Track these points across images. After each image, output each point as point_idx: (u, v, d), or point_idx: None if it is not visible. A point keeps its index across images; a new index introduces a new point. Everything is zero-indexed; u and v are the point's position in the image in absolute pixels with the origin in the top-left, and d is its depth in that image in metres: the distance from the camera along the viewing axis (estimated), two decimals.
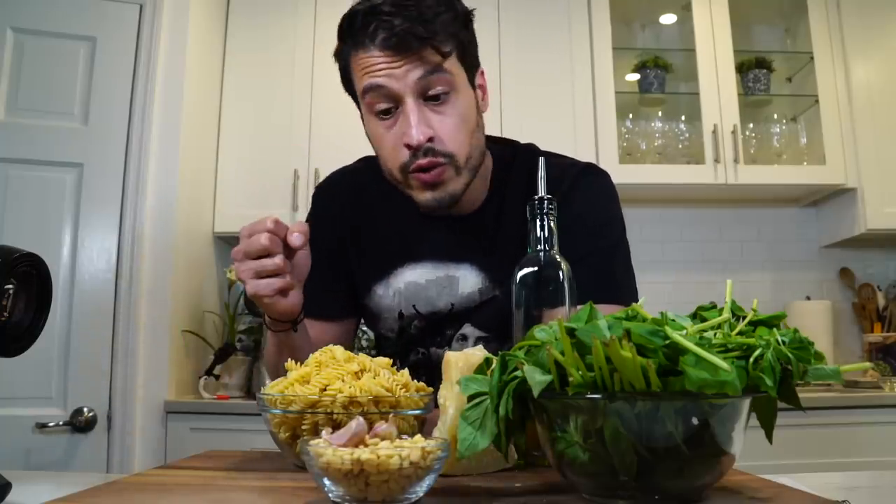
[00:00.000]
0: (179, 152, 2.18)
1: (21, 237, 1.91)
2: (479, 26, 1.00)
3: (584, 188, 1.02)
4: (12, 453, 1.86)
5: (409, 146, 0.91)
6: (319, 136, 2.46)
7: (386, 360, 0.75)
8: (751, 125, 2.66)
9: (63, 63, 2.09)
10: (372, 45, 0.90)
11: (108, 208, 2.07)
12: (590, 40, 2.58)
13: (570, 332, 0.53)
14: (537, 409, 0.56)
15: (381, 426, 0.57)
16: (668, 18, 2.85)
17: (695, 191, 2.62)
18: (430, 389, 0.74)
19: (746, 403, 0.54)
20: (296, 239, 0.85)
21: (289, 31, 2.55)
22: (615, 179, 1.08)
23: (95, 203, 2.06)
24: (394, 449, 0.52)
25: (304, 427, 0.68)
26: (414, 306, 1.06)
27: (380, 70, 0.90)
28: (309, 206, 1.18)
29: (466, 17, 0.96)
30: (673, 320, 0.56)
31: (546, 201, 0.76)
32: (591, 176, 1.05)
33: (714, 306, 0.61)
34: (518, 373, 0.55)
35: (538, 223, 0.76)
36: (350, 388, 0.68)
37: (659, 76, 2.70)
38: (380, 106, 0.92)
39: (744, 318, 0.58)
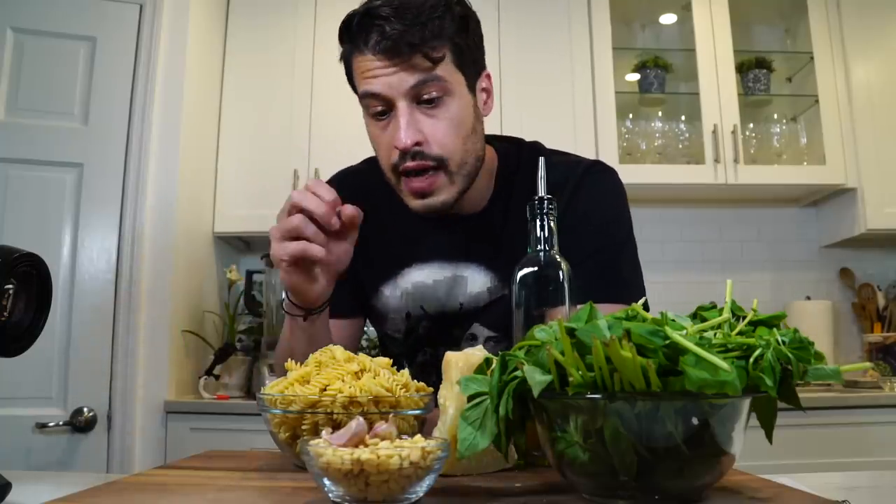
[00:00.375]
0: (179, 152, 2.18)
1: (21, 237, 1.91)
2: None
3: (590, 186, 1.02)
4: (12, 453, 1.86)
5: (396, 148, 0.91)
6: (319, 136, 2.46)
7: (386, 360, 0.75)
8: (751, 125, 2.66)
9: (63, 63, 2.09)
10: (366, 48, 0.90)
11: (108, 208, 2.07)
12: (590, 40, 2.58)
13: (570, 332, 0.53)
14: (537, 409, 0.56)
15: (381, 426, 0.57)
16: (668, 18, 2.85)
17: (695, 191, 2.62)
18: (430, 389, 0.74)
19: (746, 403, 0.54)
20: (348, 210, 0.88)
21: (289, 31, 2.55)
22: None
23: (95, 203, 2.06)
24: (394, 449, 0.52)
25: (304, 427, 0.68)
26: (422, 307, 1.06)
27: (374, 75, 0.91)
28: None
29: (464, 20, 0.94)
30: (673, 320, 0.56)
31: (546, 201, 0.76)
32: (598, 174, 1.05)
33: (714, 306, 0.61)
34: (518, 373, 0.55)
35: (538, 223, 0.76)
36: (350, 388, 0.68)
37: (659, 76, 2.70)
38: (375, 108, 0.93)
39: (744, 318, 0.58)
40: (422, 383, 0.75)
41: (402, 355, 1.11)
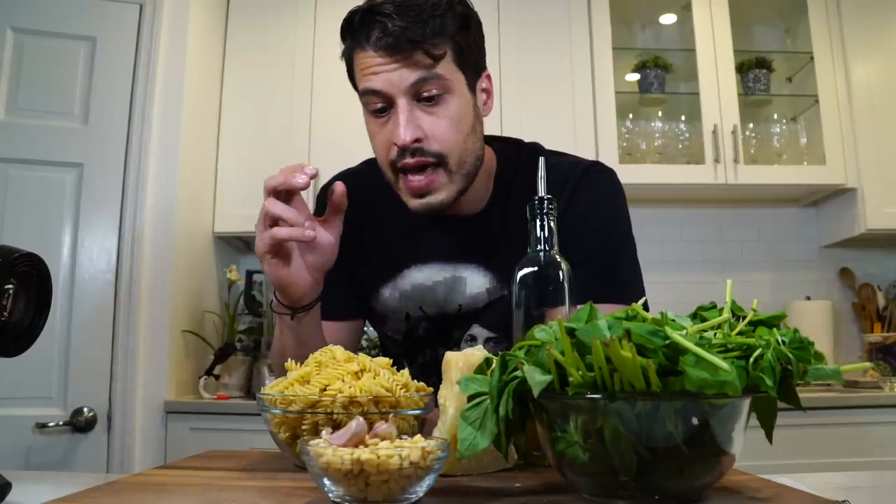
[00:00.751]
0: (179, 152, 2.18)
1: (21, 237, 1.91)
2: None
3: (588, 186, 1.02)
4: (12, 453, 1.86)
5: (396, 145, 0.91)
6: (319, 136, 2.46)
7: (386, 361, 0.75)
8: (751, 125, 2.66)
9: (63, 63, 2.09)
10: (367, 44, 0.91)
11: (108, 208, 2.07)
12: (590, 40, 2.58)
13: (570, 332, 0.53)
14: (537, 409, 0.56)
15: (381, 426, 0.57)
16: (668, 18, 2.85)
17: (695, 191, 2.62)
18: (430, 389, 0.74)
19: (746, 403, 0.54)
20: (339, 187, 0.90)
21: (289, 31, 2.55)
22: None
23: (95, 203, 2.06)
24: (394, 449, 0.52)
25: (304, 427, 0.68)
26: (421, 308, 1.06)
27: (375, 72, 0.91)
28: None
29: (466, 19, 0.95)
30: (673, 320, 0.56)
31: (546, 201, 0.76)
32: (596, 174, 1.05)
33: (714, 306, 0.61)
34: (518, 373, 0.55)
35: (538, 223, 0.76)
36: (350, 388, 0.68)
37: (659, 76, 2.70)
38: (375, 105, 0.93)
39: (744, 318, 0.58)
40: (422, 383, 0.75)
41: (401, 356, 1.11)
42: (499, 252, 1.02)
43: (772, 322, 0.58)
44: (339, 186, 0.90)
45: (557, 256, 0.75)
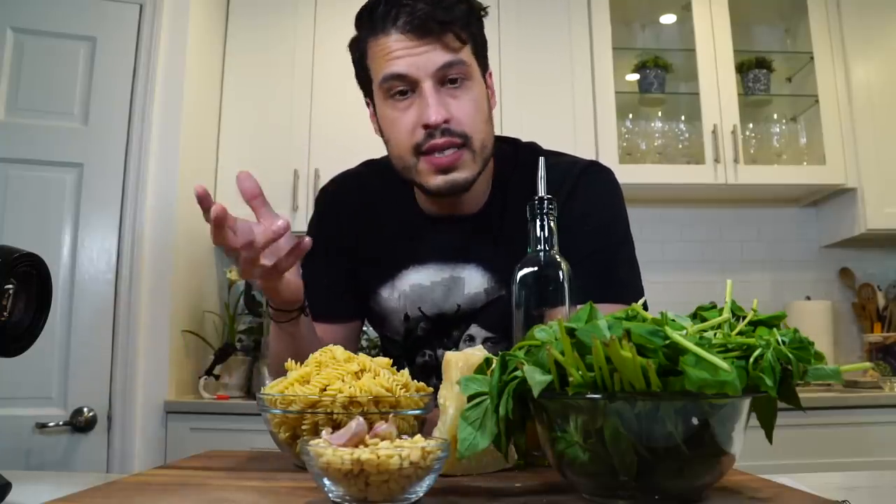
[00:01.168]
0: (179, 152, 2.18)
1: (21, 237, 1.91)
2: None
3: (586, 186, 1.02)
4: (12, 453, 1.86)
5: (426, 126, 0.92)
6: (319, 136, 2.46)
7: (386, 361, 0.75)
8: (751, 125, 2.66)
9: (63, 63, 2.09)
10: (393, 28, 0.91)
11: (108, 208, 2.07)
12: (590, 40, 2.58)
13: (570, 332, 0.53)
14: (537, 409, 0.56)
15: (381, 426, 0.57)
16: (668, 18, 2.85)
17: (695, 191, 2.62)
18: (430, 389, 0.74)
19: (746, 403, 0.54)
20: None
21: (289, 31, 2.55)
22: None
23: (95, 203, 2.06)
24: (394, 449, 0.52)
25: (304, 427, 0.68)
26: (419, 308, 1.06)
27: (399, 55, 0.91)
28: (309, 206, 1.19)
29: (479, 13, 0.98)
30: (673, 320, 0.56)
31: (546, 201, 0.76)
32: (594, 174, 1.05)
33: (714, 306, 0.61)
34: (518, 373, 0.55)
35: (538, 223, 0.76)
36: (350, 388, 0.68)
37: (659, 76, 2.70)
38: (397, 89, 0.94)
39: (744, 318, 0.58)
40: (421, 383, 0.75)
41: (401, 357, 1.11)
42: (497, 252, 1.02)
43: (772, 322, 0.58)
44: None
45: (557, 256, 0.75)
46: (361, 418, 0.57)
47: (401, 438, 0.57)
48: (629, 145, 2.64)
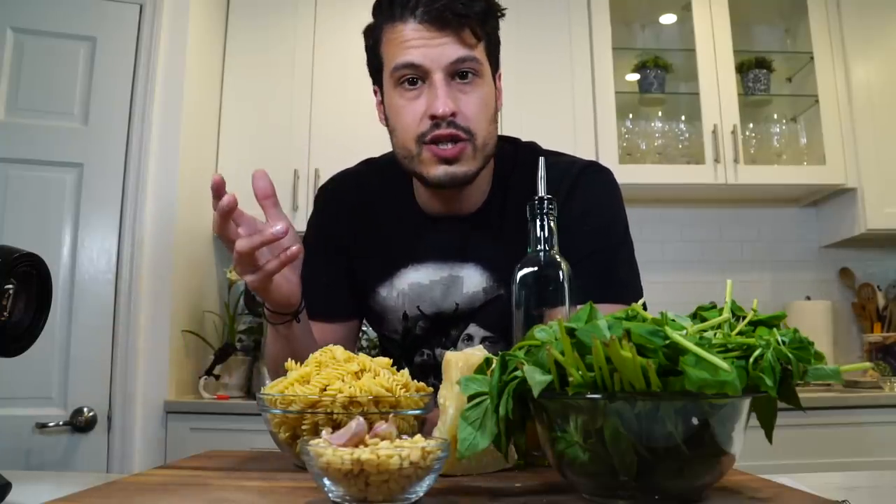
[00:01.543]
0: (179, 152, 2.18)
1: (21, 237, 1.91)
2: None
3: (585, 186, 1.02)
4: (12, 453, 1.86)
5: (433, 116, 0.92)
6: (319, 136, 2.46)
7: (386, 360, 0.75)
8: (751, 125, 2.66)
9: (63, 63, 2.09)
10: (411, 17, 0.92)
11: (108, 208, 2.07)
12: (590, 40, 2.58)
13: (570, 332, 0.53)
14: (537, 409, 0.56)
15: (381, 426, 0.57)
16: (668, 18, 2.85)
17: (695, 191, 2.62)
18: (430, 389, 0.74)
19: (746, 403, 0.54)
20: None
21: (289, 31, 2.54)
22: None
23: (95, 203, 2.06)
24: (394, 449, 0.52)
25: (304, 427, 0.68)
26: (418, 307, 1.06)
27: (416, 45, 0.92)
28: (309, 206, 1.19)
29: (497, 13, 0.98)
30: (673, 320, 0.56)
31: (546, 201, 0.76)
32: (594, 174, 1.05)
33: (714, 306, 0.61)
34: (518, 373, 0.55)
35: (538, 223, 0.76)
36: (350, 388, 0.68)
37: (659, 76, 2.70)
38: (406, 77, 0.94)
39: (744, 318, 0.58)
40: (422, 383, 0.75)
41: (401, 357, 1.11)
42: (496, 251, 1.02)
43: (772, 322, 0.58)
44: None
45: (557, 256, 0.75)
46: (361, 418, 0.57)
47: (401, 438, 0.57)
48: (629, 145, 2.64)
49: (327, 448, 0.53)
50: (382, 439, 0.56)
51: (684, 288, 2.66)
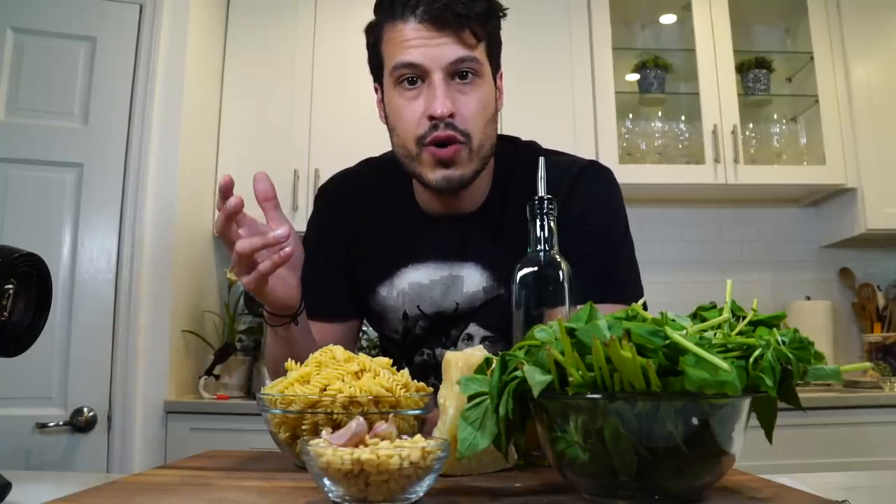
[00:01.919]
0: (179, 152, 2.18)
1: (21, 237, 1.91)
2: None
3: (585, 186, 1.02)
4: (12, 453, 1.86)
5: (432, 117, 0.92)
6: (319, 136, 2.46)
7: (386, 360, 0.75)
8: (751, 125, 2.66)
9: (63, 63, 2.09)
10: (412, 16, 0.92)
11: (108, 208, 2.07)
12: (590, 40, 2.58)
13: (570, 332, 0.53)
14: (537, 409, 0.56)
15: (381, 426, 0.57)
16: (668, 18, 2.85)
17: (695, 191, 2.62)
18: (430, 389, 0.74)
19: (746, 403, 0.54)
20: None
21: (289, 31, 2.54)
22: None
23: (95, 203, 2.06)
24: (394, 449, 0.52)
25: (304, 427, 0.68)
26: (418, 307, 1.06)
27: (415, 45, 0.92)
28: (309, 206, 1.19)
29: (498, 13, 0.98)
30: (673, 320, 0.56)
31: (546, 201, 0.76)
32: (594, 173, 1.05)
33: (714, 306, 0.61)
34: (518, 373, 0.55)
35: (538, 223, 0.76)
36: (350, 388, 0.68)
37: (659, 76, 2.70)
38: (405, 76, 0.94)
39: (744, 318, 0.58)
40: (421, 383, 0.75)
41: (401, 357, 1.11)
42: (496, 251, 1.02)
43: (772, 322, 0.58)
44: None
45: (557, 256, 0.75)
46: (361, 418, 0.57)
47: (401, 438, 0.57)
48: (629, 145, 2.64)
49: (327, 448, 0.53)
50: (382, 439, 0.56)
51: (684, 288, 2.67)
